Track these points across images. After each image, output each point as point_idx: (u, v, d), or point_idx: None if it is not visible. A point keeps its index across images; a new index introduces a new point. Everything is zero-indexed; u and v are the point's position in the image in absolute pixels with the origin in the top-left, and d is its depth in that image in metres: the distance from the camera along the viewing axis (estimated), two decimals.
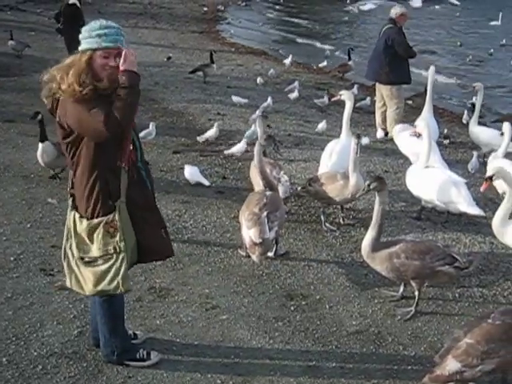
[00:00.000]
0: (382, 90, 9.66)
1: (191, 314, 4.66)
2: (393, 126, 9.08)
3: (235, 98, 10.95)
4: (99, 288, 3.70)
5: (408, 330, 4.59)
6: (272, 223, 5.20)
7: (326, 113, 11.19)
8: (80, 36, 3.57)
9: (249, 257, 5.28)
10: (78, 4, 12.18)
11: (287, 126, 9.89)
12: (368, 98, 11.48)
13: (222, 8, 26.28)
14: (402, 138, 7.92)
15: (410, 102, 10.96)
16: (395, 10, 9.48)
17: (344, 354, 4.29)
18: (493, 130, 8.88)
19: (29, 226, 5.95)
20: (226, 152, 8.13)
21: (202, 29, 20.90)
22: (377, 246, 4.65)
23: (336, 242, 5.96)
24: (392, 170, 8.02)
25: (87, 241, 3.67)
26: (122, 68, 3.51)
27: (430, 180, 6.13)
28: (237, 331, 4.48)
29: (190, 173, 7.12)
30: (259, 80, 12.98)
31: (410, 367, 4.18)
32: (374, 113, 10.19)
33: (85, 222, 3.65)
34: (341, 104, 8.02)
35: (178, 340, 4.34)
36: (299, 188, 6.57)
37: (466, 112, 11.03)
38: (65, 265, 3.81)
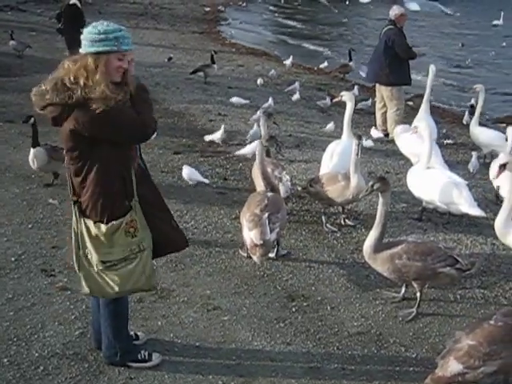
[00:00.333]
0: (382, 91, 9.67)
1: (192, 314, 4.65)
2: (393, 127, 9.09)
3: (235, 99, 10.95)
4: (127, 288, 3.71)
5: (409, 332, 4.59)
6: (273, 224, 5.19)
7: (326, 113, 11.19)
8: (90, 37, 3.46)
9: (250, 258, 5.27)
10: (79, 4, 12.23)
11: (288, 127, 9.88)
12: (370, 100, 11.49)
13: (223, 9, 26.28)
14: (403, 138, 7.94)
15: (410, 103, 10.95)
16: (394, 11, 9.48)
17: (345, 356, 4.28)
18: (493, 130, 8.90)
19: (30, 226, 5.95)
20: (236, 153, 7.99)
21: (203, 29, 20.89)
22: (379, 247, 4.64)
23: (337, 242, 5.96)
24: (393, 171, 8.01)
25: (108, 244, 3.63)
26: (132, 71, 3.58)
27: (432, 181, 6.12)
28: (238, 332, 4.47)
29: (188, 173, 7.08)
30: (260, 81, 12.98)
31: (411, 369, 4.17)
32: (374, 114, 10.20)
33: (103, 227, 3.60)
34: (342, 105, 8.02)
35: (179, 341, 4.33)
36: (300, 189, 6.56)
37: (466, 113, 11.04)
38: (81, 275, 3.76)
